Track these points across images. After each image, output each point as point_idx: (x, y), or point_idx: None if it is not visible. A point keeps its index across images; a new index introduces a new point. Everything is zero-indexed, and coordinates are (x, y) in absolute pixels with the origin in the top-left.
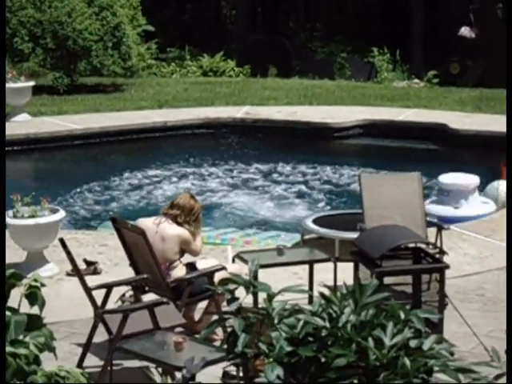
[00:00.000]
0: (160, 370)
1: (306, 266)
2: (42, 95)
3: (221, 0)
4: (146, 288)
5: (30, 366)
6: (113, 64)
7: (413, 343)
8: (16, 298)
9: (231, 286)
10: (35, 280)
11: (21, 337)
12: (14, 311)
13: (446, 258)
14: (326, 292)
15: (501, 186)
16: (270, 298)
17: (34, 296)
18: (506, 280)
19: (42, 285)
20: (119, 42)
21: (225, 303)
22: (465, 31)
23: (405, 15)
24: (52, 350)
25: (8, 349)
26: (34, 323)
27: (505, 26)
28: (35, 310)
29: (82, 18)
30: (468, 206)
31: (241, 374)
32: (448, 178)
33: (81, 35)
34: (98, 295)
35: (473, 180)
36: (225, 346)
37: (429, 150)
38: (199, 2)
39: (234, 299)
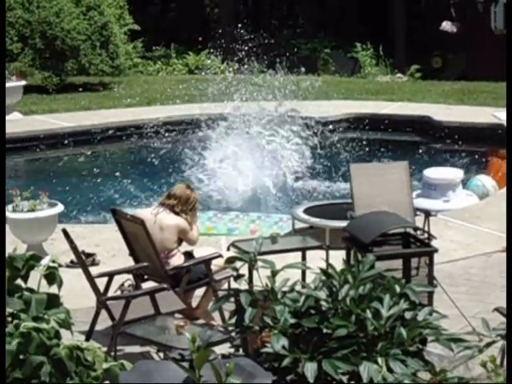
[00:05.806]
0: (161, 354)
1: (298, 255)
2: (32, 94)
3: None
4: (146, 276)
5: (51, 340)
6: (101, 63)
7: (408, 315)
8: (35, 278)
9: (237, 264)
10: (53, 261)
11: (41, 315)
12: (34, 291)
13: (433, 244)
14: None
15: (484, 181)
16: (274, 274)
17: (52, 276)
18: (491, 265)
19: (60, 265)
20: (107, 41)
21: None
22: (446, 25)
23: (387, 10)
24: (70, 326)
25: (31, 324)
26: (53, 302)
27: (485, 19)
28: (53, 290)
29: (70, 18)
30: (456, 198)
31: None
32: (434, 173)
33: (69, 35)
34: (99, 285)
35: (458, 174)
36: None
37: (413, 142)
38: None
39: (240, 276)
